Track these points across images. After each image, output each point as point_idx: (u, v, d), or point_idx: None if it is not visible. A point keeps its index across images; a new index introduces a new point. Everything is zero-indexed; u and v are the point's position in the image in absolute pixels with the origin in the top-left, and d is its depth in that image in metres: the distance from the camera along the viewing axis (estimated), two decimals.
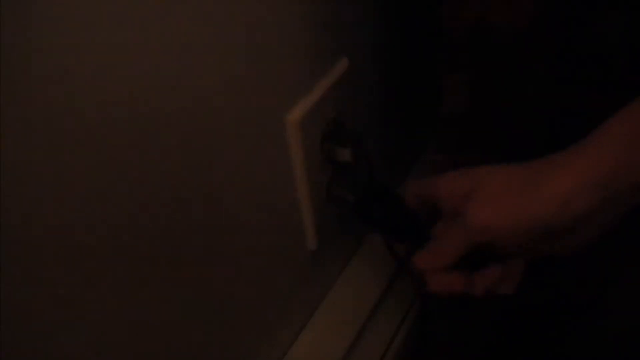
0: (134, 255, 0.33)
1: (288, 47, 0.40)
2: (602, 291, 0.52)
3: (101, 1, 0.26)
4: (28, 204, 0.26)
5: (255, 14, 0.36)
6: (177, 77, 0.32)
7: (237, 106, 0.37)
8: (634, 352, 0.53)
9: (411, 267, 0.42)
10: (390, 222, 0.47)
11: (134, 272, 0.33)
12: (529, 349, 0.58)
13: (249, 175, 0.41)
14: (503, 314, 0.58)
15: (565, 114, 0.43)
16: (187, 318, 0.40)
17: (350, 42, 0.49)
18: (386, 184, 0.47)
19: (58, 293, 0.29)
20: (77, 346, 0.32)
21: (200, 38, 0.32)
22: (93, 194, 0.29)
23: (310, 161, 0.46)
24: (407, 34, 0.59)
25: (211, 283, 0.41)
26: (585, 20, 0.39)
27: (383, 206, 0.46)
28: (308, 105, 0.43)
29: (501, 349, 0.60)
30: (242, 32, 0.35)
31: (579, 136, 0.44)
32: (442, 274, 0.40)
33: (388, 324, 0.60)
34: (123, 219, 0.31)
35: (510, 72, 0.41)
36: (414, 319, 0.62)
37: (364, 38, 0.51)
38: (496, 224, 0.36)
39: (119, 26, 0.27)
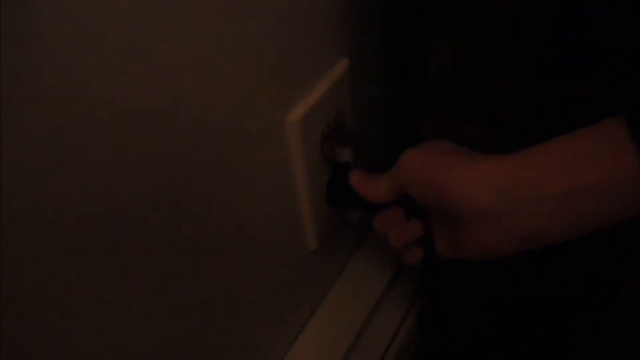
0: (132, 255, 0.33)
1: (288, 47, 0.40)
2: (613, 292, 0.52)
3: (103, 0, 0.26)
4: (28, 200, 0.26)
5: (255, 15, 0.36)
6: (177, 77, 0.32)
7: (237, 106, 0.37)
8: (633, 354, 0.53)
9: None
10: (353, 198, 0.49)
11: (133, 272, 0.33)
12: (534, 347, 0.58)
13: (249, 175, 0.41)
14: (509, 312, 0.58)
15: (551, 88, 0.43)
16: (186, 318, 0.40)
17: (350, 42, 0.49)
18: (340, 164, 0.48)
19: (59, 289, 0.29)
20: (78, 337, 0.32)
21: (201, 38, 0.32)
22: (93, 190, 0.29)
23: (310, 161, 0.46)
24: (407, 33, 0.59)
25: (211, 283, 0.41)
26: (583, 8, 0.39)
27: (343, 185, 0.48)
28: (308, 105, 0.43)
29: (506, 348, 0.60)
30: (242, 33, 0.36)
31: (564, 108, 0.44)
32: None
33: (388, 324, 0.60)
34: (123, 217, 0.31)
35: (494, 44, 0.41)
36: (415, 319, 0.62)
37: (364, 38, 0.52)
38: (413, 167, 0.40)
39: (118, 24, 0.27)
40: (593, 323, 0.53)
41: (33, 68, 0.24)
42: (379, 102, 0.59)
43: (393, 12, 0.55)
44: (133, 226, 0.32)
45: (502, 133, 0.46)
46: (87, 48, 0.26)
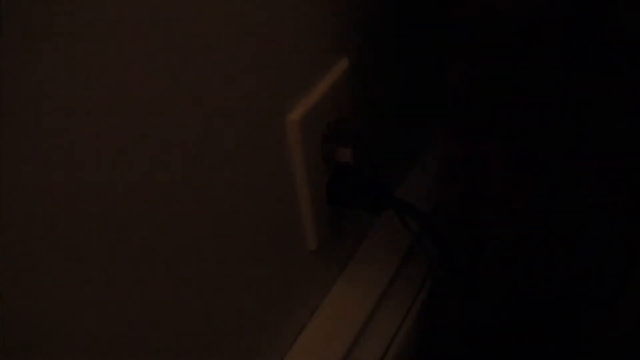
0: (131, 254, 0.33)
1: (288, 47, 0.40)
2: (618, 289, 0.52)
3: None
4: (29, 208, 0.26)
5: (255, 15, 0.36)
6: (177, 77, 0.32)
7: (237, 106, 0.37)
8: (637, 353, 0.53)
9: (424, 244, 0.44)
10: (353, 198, 0.49)
11: (133, 271, 0.33)
12: (539, 344, 0.58)
13: (249, 175, 0.41)
14: (513, 309, 0.58)
15: (575, 102, 0.43)
16: (186, 317, 0.40)
17: (350, 42, 0.49)
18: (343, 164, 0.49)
19: (58, 287, 0.29)
20: (76, 341, 0.32)
21: (201, 38, 0.32)
22: (93, 190, 0.29)
23: (310, 161, 0.46)
24: (408, 33, 0.59)
25: (211, 283, 0.41)
26: (604, 13, 0.38)
27: (343, 185, 0.49)
28: (308, 105, 0.43)
29: (510, 344, 0.60)
30: (242, 32, 0.35)
31: (588, 124, 0.44)
32: None
33: (388, 323, 0.60)
34: (123, 218, 0.31)
35: (517, 61, 0.41)
36: (415, 319, 0.62)
37: (364, 38, 0.51)
38: None
39: (117, 25, 0.27)
40: (601, 319, 0.53)
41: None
42: (379, 102, 0.59)
43: (394, 14, 0.55)
44: (131, 225, 0.32)
45: (520, 143, 0.45)
46: (86, 55, 0.26)
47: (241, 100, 0.38)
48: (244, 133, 0.39)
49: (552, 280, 0.54)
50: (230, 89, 0.36)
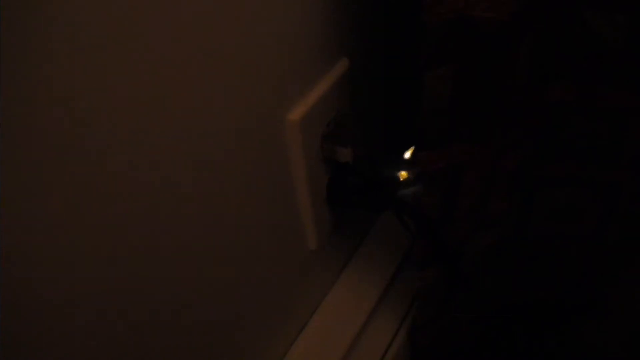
0: (131, 254, 0.33)
1: (288, 47, 0.40)
2: (601, 292, 0.52)
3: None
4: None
5: (255, 14, 0.36)
6: (176, 78, 0.32)
7: (237, 106, 0.37)
8: (632, 353, 0.53)
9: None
10: (353, 198, 0.50)
11: (132, 271, 0.33)
12: (526, 349, 0.59)
13: (248, 175, 0.41)
14: (499, 314, 0.58)
15: (548, 107, 0.43)
16: (186, 317, 0.40)
17: (350, 42, 0.49)
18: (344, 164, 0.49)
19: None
20: (76, 340, 0.32)
21: (200, 38, 0.32)
22: (91, 190, 0.29)
23: (310, 161, 0.46)
24: (408, 32, 0.59)
25: (210, 283, 0.41)
26: (579, 18, 0.39)
27: (343, 185, 0.50)
28: (308, 105, 0.43)
29: (497, 350, 0.60)
30: (242, 33, 0.36)
31: (567, 131, 0.44)
32: None
33: (388, 324, 0.60)
34: (122, 218, 0.31)
35: (495, 65, 0.41)
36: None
37: (364, 38, 0.52)
38: None
39: (117, 28, 0.27)
40: (583, 325, 0.54)
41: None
42: (379, 102, 0.59)
43: (394, 14, 0.55)
44: (130, 224, 0.32)
45: (499, 146, 0.45)
46: (85, 54, 0.26)
47: (241, 100, 0.38)
48: (244, 133, 0.39)
49: (531, 285, 0.54)
50: (230, 89, 0.36)
